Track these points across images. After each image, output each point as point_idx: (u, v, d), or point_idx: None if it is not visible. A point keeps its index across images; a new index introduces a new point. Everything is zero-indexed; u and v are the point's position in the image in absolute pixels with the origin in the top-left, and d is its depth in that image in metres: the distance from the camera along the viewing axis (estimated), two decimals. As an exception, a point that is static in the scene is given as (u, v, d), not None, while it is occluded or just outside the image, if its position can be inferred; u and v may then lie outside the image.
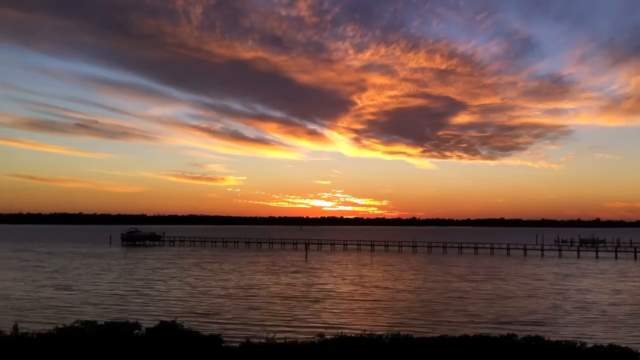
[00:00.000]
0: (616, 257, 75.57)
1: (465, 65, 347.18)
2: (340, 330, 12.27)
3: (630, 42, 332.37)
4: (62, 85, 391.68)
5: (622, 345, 10.10)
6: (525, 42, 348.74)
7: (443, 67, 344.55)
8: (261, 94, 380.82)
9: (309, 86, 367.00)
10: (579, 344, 9.82)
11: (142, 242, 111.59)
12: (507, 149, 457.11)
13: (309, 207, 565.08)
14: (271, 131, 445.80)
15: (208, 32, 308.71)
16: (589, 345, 9.88)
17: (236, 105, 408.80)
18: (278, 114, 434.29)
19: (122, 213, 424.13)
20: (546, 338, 10.21)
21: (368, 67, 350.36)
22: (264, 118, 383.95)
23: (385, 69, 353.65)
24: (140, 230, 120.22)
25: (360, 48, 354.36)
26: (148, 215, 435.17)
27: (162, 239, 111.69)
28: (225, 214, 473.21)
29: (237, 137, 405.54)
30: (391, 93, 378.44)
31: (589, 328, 24.47)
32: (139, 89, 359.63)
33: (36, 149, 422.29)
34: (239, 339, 12.71)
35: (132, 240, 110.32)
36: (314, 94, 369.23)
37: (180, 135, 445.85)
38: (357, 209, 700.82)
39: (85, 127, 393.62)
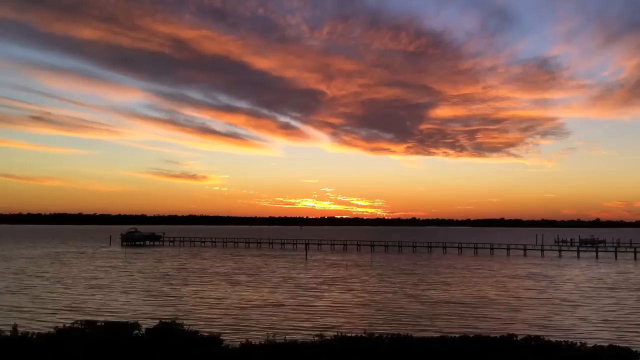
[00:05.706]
0: (616, 257, 75.53)
1: (437, 46, 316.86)
2: (340, 331, 12.26)
3: (623, 15, 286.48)
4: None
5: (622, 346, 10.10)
6: (502, 14, 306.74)
7: (411, 48, 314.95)
8: (219, 80, 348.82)
9: (268, 72, 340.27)
10: (579, 344, 9.81)
11: (142, 242, 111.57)
12: (495, 145, 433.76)
13: (304, 207, 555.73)
14: (241, 124, 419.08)
15: (136, 3, 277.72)
16: (589, 346, 9.86)
17: (195, 95, 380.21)
18: (243, 104, 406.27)
19: (113, 213, 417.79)
20: (546, 338, 10.20)
21: (329, 50, 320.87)
22: (229, 110, 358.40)
23: (349, 52, 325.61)
24: (140, 230, 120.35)
25: (314, 24, 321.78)
26: (148, 215, 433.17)
27: (162, 239, 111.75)
28: (223, 214, 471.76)
29: (206, 131, 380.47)
30: (362, 81, 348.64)
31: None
32: (81, 74, 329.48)
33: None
34: (239, 339, 12.72)
35: (132, 241, 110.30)
36: (276, 81, 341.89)
37: (143, 128, 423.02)
38: (349, 208, 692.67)
39: (40, 120, 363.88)
